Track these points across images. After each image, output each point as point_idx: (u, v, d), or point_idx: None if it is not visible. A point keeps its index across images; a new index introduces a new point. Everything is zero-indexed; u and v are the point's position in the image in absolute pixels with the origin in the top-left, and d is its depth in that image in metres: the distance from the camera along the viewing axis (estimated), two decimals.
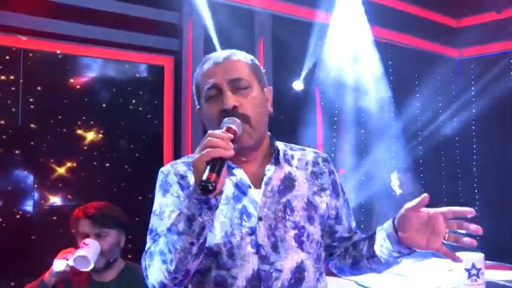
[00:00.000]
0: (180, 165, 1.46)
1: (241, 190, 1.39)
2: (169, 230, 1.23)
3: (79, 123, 3.76)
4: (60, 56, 3.73)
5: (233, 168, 1.40)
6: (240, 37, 4.23)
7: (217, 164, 1.14)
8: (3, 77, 3.49)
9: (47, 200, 3.58)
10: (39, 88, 3.62)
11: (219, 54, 1.44)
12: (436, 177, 5.68)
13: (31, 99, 3.58)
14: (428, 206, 1.29)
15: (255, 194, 1.38)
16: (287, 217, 1.38)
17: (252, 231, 1.34)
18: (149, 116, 4.08)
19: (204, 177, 1.12)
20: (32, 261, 3.35)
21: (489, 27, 5.52)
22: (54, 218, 3.56)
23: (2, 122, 3.47)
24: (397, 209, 1.34)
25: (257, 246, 1.33)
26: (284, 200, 1.40)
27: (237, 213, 1.36)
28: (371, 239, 1.42)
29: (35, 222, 3.52)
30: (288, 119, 4.59)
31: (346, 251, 1.51)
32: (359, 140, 5.09)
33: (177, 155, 4.11)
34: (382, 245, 1.36)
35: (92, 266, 2.03)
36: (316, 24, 4.79)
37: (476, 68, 5.84)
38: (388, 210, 4.37)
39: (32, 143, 3.56)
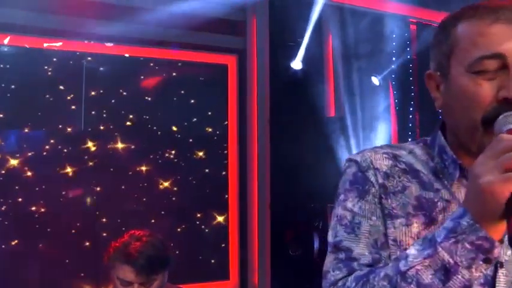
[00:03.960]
0: (381, 158, 1.01)
1: None
2: (402, 274, 0.82)
3: (146, 125, 3.70)
4: (127, 59, 3.70)
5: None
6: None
7: None
8: (68, 83, 3.49)
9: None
10: (105, 92, 3.60)
11: (508, 8, 0.91)
12: None
13: (96, 103, 3.57)
14: None
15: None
16: None
17: (487, 283, 0.89)
18: (213, 117, 3.97)
19: None
20: None
21: None
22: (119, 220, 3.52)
23: (69, 128, 3.46)
24: None
25: None
26: None
27: None
28: None
29: None
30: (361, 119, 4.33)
31: None
32: None
33: (242, 157, 3.97)
34: None
35: None
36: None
37: None
38: None
39: (98, 146, 3.52)
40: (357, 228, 0.97)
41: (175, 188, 3.74)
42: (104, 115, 3.59)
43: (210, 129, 3.95)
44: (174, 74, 3.88)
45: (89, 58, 3.56)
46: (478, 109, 0.89)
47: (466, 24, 0.93)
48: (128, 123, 3.65)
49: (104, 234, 3.38)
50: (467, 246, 0.77)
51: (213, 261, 3.85)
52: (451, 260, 0.78)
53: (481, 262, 0.77)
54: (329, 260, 0.98)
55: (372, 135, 4.24)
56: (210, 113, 3.95)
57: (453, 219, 0.80)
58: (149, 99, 3.76)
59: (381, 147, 1.06)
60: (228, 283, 3.87)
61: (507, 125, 0.82)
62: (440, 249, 0.79)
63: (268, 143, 4.00)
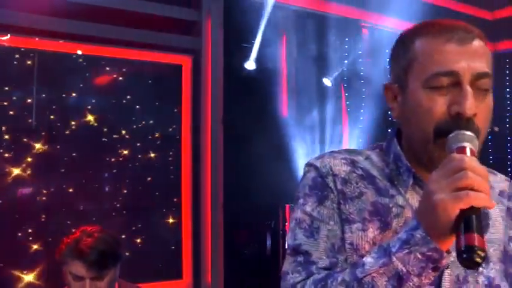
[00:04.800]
0: (340, 163, 1.05)
1: None
2: (359, 281, 0.89)
3: (95, 124, 3.65)
4: (79, 57, 3.64)
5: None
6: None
7: (477, 218, 0.79)
8: (19, 79, 3.41)
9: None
10: (56, 90, 3.54)
11: (462, 29, 0.98)
12: None
13: (47, 101, 3.50)
14: None
15: None
16: (480, 269, 1.00)
17: (434, 282, 0.95)
18: (167, 117, 3.97)
19: (466, 241, 0.78)
20: None
21: None
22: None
23: (17, 127, 3.38)
24: None
25: None
26: None
27: None
28: None
29: None
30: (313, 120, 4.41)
31: None
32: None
33: (195, 158, 3.99)
34: None
35: None
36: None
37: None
38: None
39: (47, 146, 3.47)
40: (315, 233, 1.00)
41: (125, 190, 3.72)
42: (52, 115, 3.51)
43: (163, 129, 3.94)
44: (128, 73, 3.84)
45: (39, 55, 3.49)
46: (431, 122, 0.95)
47: (423, 40, 0.98)
48: (79, 123, 3.59)
49: (54, 236, 3.33)
50: (419, 256, 0.84)
51: (166, 260, 3.86)
52: (403, 269, 0.85)
53: (430, 270, 0.85)
54: (288, 262, 1.02)
55: (324, 136, 4.34)
56: (164, 113, 3.95)
57: (407, 231, 0.86)
58: (102, 98, 3.72)
59: (339, 152, 1.09)
60: (181, 282, 3.89)
61: (457, 143, 0.89)
62: (394, 259, 0.86)
63: (221, 143, 4.03)
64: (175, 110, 3.98)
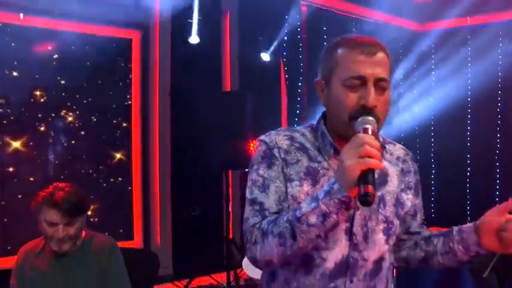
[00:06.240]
0: (283, 139, 1.44)
1: None
2: (298, 219, 1.25)
3: (41, 99, 3.73)
4: (22, 28, 3.66)
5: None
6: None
7: (371, 175, 1.17)
8: None
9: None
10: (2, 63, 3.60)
11: (370, 44, 1.36)
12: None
13: None
14: None
15: None
16: (380, 210, 1.42)
17: (349, 219, 1.38)
18: (116, 91, 4.13)
19: (363, 189, 1.16)
20: None
21: (448, 2, 5.68)
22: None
23: None
24: None
25: (350, 234, 1.38)
26: (379, 193, 1.41)
27: None
28: (447, 236, 1.45)
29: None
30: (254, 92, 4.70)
31: (416, 244, 1.54)
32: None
33: (144, 131, 4.23)
34: (460, 244, 1.40)
35: None
36: None
37: (434, 42, 6.04)
38: None
39: None
40: (267, 189, 1.39)
41: (77, 161, 3.89)
42: None
43: (113, 101, 4.11)
44: (77, 46, 3.89)
45: None
46: (346, 111, 1.34)
47: (343, 51, 1.37)
48: (26, 98, 3.68)
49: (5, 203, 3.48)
50: (336, 201, 1.21)
51: (118, 224, 4.13)
52: (327, 210, 1.22)
53: (344, 210, 1.23)
54: (248, 210, 1.40)
55: (264, 108, 4.64)
56: (115, 85, 4.12)
57: (328, 185, 1.25)
58: (50, 72, 3.79)
59: (283, 130, 1.48)
60: (133, 243, 4.19)
61: (362, 125, 1.27)
62: (321, 203, 1.23)
63: (169, 114, 4.28)
64: (126, 82, 4.16)
